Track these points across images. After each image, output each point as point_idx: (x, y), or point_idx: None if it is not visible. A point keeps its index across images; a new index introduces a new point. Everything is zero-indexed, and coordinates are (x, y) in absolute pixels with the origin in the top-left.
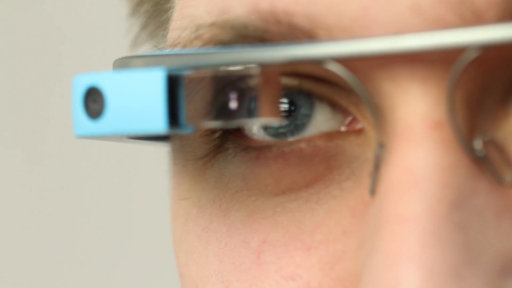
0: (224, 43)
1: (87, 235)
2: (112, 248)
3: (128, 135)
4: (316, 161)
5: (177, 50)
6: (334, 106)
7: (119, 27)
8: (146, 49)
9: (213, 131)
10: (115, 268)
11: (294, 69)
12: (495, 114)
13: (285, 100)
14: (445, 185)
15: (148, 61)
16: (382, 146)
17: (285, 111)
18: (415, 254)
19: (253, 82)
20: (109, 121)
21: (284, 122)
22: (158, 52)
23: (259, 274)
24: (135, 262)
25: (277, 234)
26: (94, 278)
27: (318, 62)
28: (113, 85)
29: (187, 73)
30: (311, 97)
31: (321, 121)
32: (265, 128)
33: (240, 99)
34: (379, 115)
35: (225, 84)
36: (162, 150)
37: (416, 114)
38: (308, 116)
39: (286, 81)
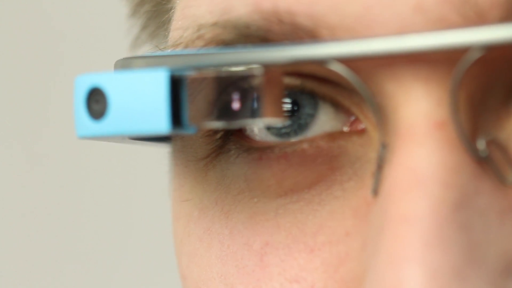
0: (226, 43)
1: (88, 235)
2: (113, 250)
3: (130, 136)
4: (318, 161)
5: (179, 50)
6: (337, 106)
7: (119, 28)
8: (146, 49)
9: (215, 131)
10: (116, 270)
11: (296, 69)
12: (497, 114)
13: (288, 100)
14: (448, 185)
15: (150, 61)
16: (384, 146)
17: (288, 111)
18: (418, 254)
19: (256, 82)
20: (111, 122)
21: (287, 122)
22: (160, 53)
23: (263, 277)
24: (136, 263)
25: (280, 236)
26: (95, 278)
27: (321, 62)
28: (115, 86)
29: (190, 73)
30: (314, 97)
31: (324, 121)
32: (268, 128)
33: (242, 100)
34: (381, 115)
35: (228, 84)
36: (162, 151)
37: (419, 114)
38: (312, 116)
39: (289, 81)
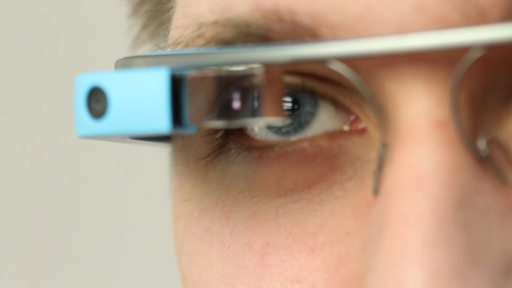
0: (226, 42)
1: (88, 235)
2: (113, 250)
3: (130, 135)
4: (318, 161)
5: (179, 49)
6: (337, 105)
7: (119, 28)
8: (146, 49)
9: (215, 131)
10: (116, 270)
11: (297, 68)
12: (498, 114)
13: (288, 98)
14: (448, 184)
15: (151, 61)
16: (385, 145)
17: (288, 109)
18: (418, 254)
19: (257, 81)
20: (112, 121)
21: (288, 121)
22: (160, 52)
23: (264, 277)
24: (136, 263)
25: (280, 236)
26: (95, 278)
27: (321, 61)
28: (116, 85)
29: (190, 72)
30: (314, 96)
31: (324, 119)
32: (269, 127)
33: (243, 99)
34: (382, 114)
35: (228, 83)
36: (162, 151)
37: (420, 113)
38: (312, 114)
39: (289, 79)
